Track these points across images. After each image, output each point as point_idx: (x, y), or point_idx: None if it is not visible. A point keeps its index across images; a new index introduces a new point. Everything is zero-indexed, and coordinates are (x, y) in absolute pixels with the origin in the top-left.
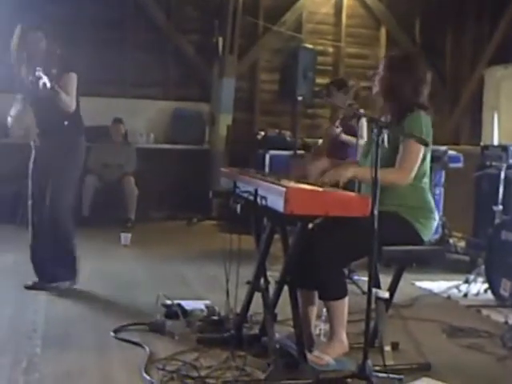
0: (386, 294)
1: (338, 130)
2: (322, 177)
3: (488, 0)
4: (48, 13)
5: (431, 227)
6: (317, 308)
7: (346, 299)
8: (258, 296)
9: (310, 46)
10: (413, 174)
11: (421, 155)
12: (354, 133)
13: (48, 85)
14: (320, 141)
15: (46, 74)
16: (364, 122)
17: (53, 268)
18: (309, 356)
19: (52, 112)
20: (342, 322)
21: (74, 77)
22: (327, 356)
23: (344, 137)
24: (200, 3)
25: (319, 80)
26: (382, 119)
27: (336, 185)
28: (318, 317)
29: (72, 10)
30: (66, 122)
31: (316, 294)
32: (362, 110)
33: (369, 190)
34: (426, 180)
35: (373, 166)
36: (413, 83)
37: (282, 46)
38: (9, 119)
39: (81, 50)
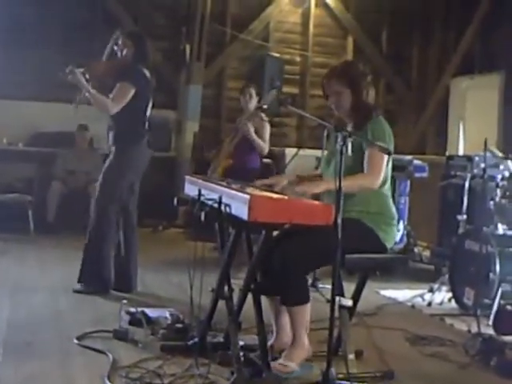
0: (350, 302)
1: (252, 128)
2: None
3: (454, 11)
4: (15, 13)
5: (393, 234)
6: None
7: (308, 305)
8: (222, 304)
9: (277, 55)
10: (381, 178)
11: (386, 159)
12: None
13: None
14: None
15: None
16: (267, 127)
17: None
18: (273, 365)
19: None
20: (303, 326)
21: (124, 85)
22: (291, 363)
23: (254, 136)
24: (168, 10)
25: (286, 89)
26: (348, 128)
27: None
28: None
29: (39, 12)
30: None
31: None
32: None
33: (330, 198)
34: (388, 186)
35: (337, 175)
36: (366, 90)
37: (249, 54)
38: None
39: (47, 53)
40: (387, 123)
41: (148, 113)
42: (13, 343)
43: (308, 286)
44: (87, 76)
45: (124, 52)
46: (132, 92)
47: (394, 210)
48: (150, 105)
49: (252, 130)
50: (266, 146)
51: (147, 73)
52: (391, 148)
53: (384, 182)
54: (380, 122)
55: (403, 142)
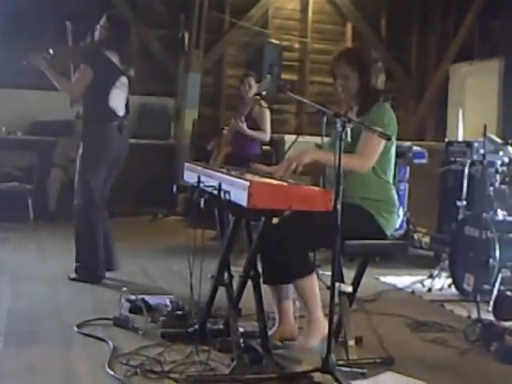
0: (349, 288)
1: (243, 125)
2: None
3: None
4: (13, 2)
5: (394, 222)
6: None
7: (314, 277)
8: (222, 290)
9: (276, 42)
10: (372, 162)
11: (381, 145)
12: (256, 126)
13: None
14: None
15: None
16: (267, 114)
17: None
18: (292, 344)
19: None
20: (314, 300)
21: (82, 67)
22: (310, 338)
23: (249, 132)
24: None
25: (285, 75)
26: (352, 115)
27: (294, 171)
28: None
29: (35, 1)
30: (80, 112)
31: (288, 288)
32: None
33: (332, 184)
34: (390, 174)
35: (335, 154)
36: (375, 75)
37: (248, 41)
38: None
39: (45, 41)
40: (391, 110)
41: (118, 97)
42: (14, 332)
43: (309, 257)
44: (53, 61)
45: (99, 34)
46: (90, 74)
47: (395, 197)
48: (122, 90)
49: (245, 126)
50: (265, 135)
51: (113, 57)
52: (390, 134)
53: (387, 170)
54: (382, 108)
55: (402, 128)
